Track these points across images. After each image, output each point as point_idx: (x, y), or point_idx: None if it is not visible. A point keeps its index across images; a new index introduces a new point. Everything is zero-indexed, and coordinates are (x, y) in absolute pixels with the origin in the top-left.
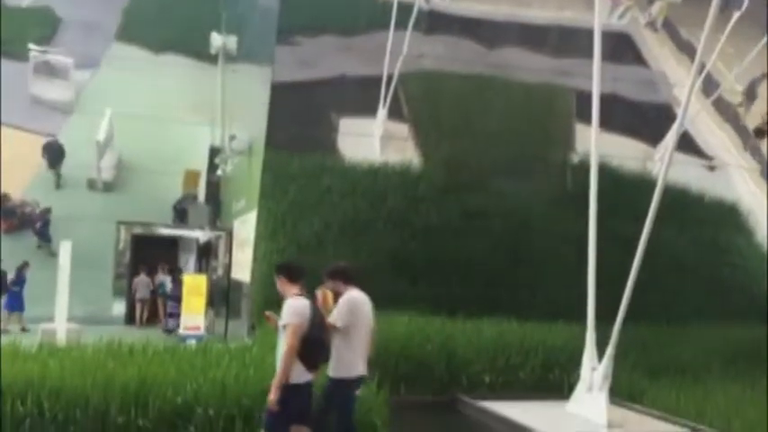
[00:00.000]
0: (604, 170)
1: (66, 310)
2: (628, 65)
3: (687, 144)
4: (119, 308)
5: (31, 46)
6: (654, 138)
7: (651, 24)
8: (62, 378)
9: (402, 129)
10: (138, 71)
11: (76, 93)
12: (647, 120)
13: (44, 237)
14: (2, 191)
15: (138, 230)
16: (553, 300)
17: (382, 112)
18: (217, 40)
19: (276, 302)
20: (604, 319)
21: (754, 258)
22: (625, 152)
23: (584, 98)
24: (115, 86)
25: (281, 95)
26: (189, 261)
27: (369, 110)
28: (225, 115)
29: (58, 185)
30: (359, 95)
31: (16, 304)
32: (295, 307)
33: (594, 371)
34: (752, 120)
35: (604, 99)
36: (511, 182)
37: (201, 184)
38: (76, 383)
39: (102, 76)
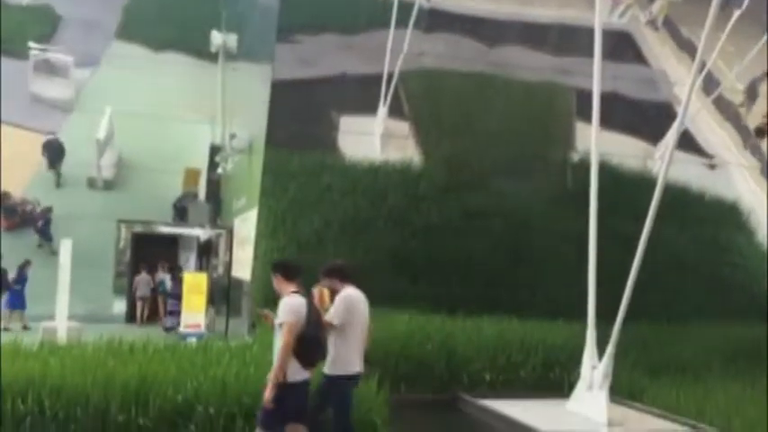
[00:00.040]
0: (605, 169)
1: (67, 309)
2: (628, 63)
3: (687, 142)
4: (119, 306)
5: (31, 44)
6: (654, 136)
7: (652, 23)
8: (63, 376)
9: (402, 127)
10: (138, 69)
11: (76, 91)
12: (647, 118)
13: (45, 235)
14: (2, 189)
15: (138, 229)
16: (553, 298)
17: (383, 110)
18: (217, 38)
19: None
20: (605, 318)
21: (755, 257)
22: (625, 150)
23: (585, 96)
24: (115, 85)
25: (282, 94)
26: (189, 259)
27: (369, 108)
28: (225, 113)
29: (59, 184)
30: (359, 93)
31: (17, 302)
32: (291, 305)
33: (595, 369)
34: (753, 119)
35: (605, 97)
36: (511, 180)
37: (202, 183)
38: (77, 382)
39: (102, 75)
